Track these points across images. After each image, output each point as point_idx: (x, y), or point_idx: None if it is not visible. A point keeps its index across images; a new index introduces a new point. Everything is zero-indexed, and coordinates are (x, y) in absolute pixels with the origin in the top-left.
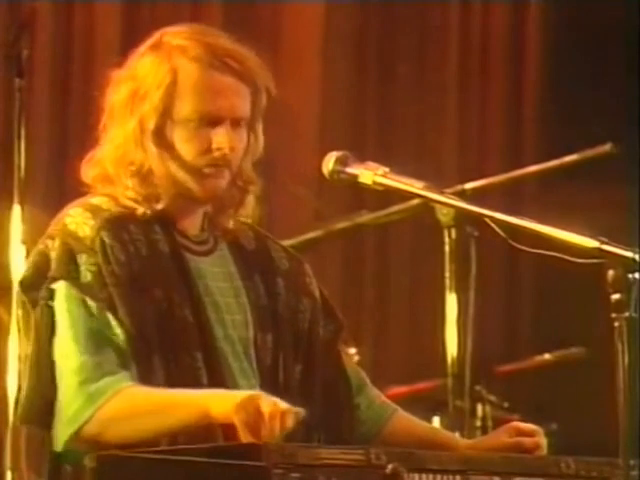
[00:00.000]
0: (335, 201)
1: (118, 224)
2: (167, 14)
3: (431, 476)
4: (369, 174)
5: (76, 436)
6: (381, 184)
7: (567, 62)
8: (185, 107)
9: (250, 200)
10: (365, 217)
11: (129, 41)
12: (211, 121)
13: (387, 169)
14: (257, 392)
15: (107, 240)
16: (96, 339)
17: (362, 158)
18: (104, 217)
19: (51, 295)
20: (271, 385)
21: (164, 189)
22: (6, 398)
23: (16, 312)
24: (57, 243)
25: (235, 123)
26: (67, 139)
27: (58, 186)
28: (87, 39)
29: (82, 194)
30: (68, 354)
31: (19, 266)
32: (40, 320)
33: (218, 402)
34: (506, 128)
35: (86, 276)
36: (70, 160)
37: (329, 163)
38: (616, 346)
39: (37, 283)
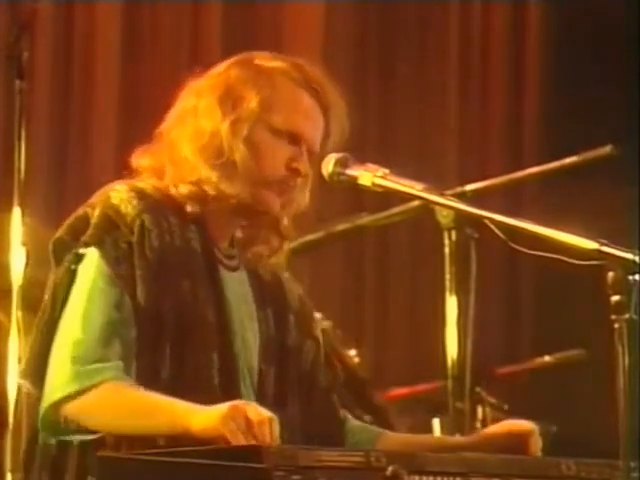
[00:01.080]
0: (335, 203)
1: (159, 211)
2: (167, 16)
3: (431, 478)
4: (369, 176)
5: (54, 408)
6: (381, 186)
7: (567, 63)
8: (278, 119)
9: (284, 251)
10: (365, 219)
11: (129, 43)
12: (294, 139)
13: (387, 171)
14: (239, 401)
15: (147, 223)
16: (105, 318)
17: (362, 160)
18: (147, 201)
19: (78, 259)
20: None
21: (242, 185)
22: (6, 399)
23: (16, 313)
24: (98, 212)
25: (307, 153)
26: (67, 141)
27: (58, 188)
28: (87, 41)
29: (82, 196)
30: (73, 324)
31: (19, 268)
32: (60, 280)
33: (201, 417)
34: (506, 129)
35: (118, 250)
36: (70, 162)
37: (329, 165)
38: (616, 348)
39: (69, 244)
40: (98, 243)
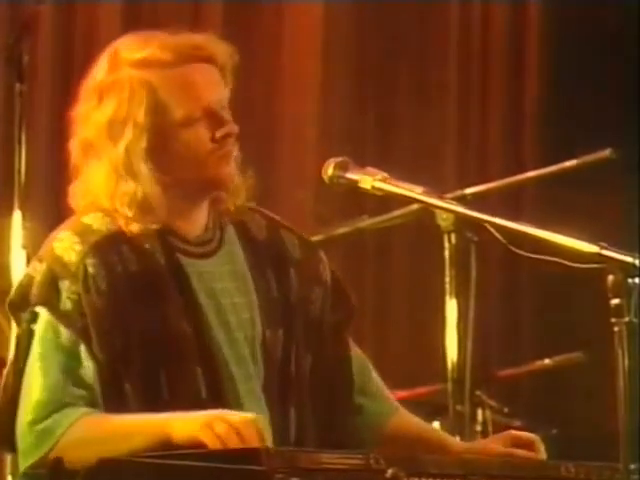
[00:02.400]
0: (335, 206)
1: (107, 246)
2: (168, 17)
3: None
4: (369, 179)
5: (31, 468)
6: (381, 189)
7: (567, 65)
8: (176, 112)
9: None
10: (365, 222)
11: None
12: (205, 114)
13: (386, 174)
14: (219, 410)
15: (90, 269)
16: (63, 372)
17: (362, 163)
18: (92, 242)
19: (34, 318)
20: (282, 379)
21: (161, 210)
22: None
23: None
24: (43, 267)
25: (221, 106)
26: (68, 145)
27: (58, 192)
28: (88, 43)
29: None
30: (32, 385)
31: (19, 270)
32: (20, 342)
33: (179, 425)
34: (506, 133)
35: (66, 304)
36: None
37: (329, 169)
38: (616, 351)
39: (22, 305)
40: (45, 302)
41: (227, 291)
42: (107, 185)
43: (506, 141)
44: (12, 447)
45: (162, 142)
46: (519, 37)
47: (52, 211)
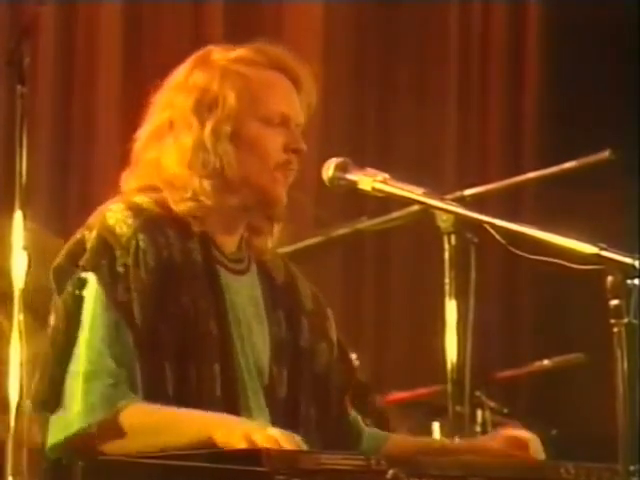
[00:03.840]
0: (335, 207)
1: (156, 226)
2: (169, 19)
3: None
4: (368, 180)
5: (66, 442)
6: (380, 190)
7: (567, 67)
8: (262, 107)
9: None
10: (365, 223)
11: (131, 46)
12: (282, 121)
13: (387, 175)
14: (260, 423)
15: (142, 244)
16: (107, 346)
17: (362, 164)
18: (143, 218)
19: (81, 284)
20: (285, 419)
21: (233, 190)
22: (7, 404)
23: (18, 317)
24: (94, 234)
25: (297, 128)
26: (69, 145)
27: (60, 193)
28: (89, 45)
29: (84, 200)
30: (79, 356)
31: (20, 272)
32: (68, 307)
33: (222, 431)
34: (505, 134)
35: (113, 276)
36: (72, 166)
37: (329, 169)
38: (615, 352)
39: (69, 270)
40: (94, 268)
41: (247, 312)
42: (183, 156)
43: (506, 142)
44: (53, 408)
45: (242, 131)
46: (519, 37)
47: (53, 212)
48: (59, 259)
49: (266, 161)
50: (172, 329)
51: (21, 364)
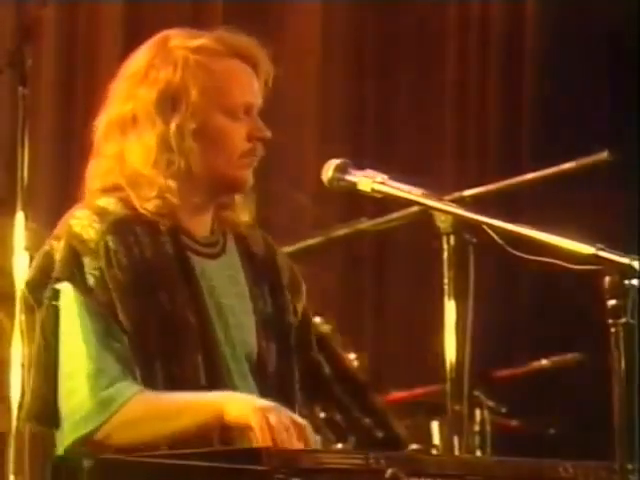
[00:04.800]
0: (334, 208)
1: (124, 227)
2: (170, 20)
3: None
4: (368, 181)
5: (81, 440)
6: (380, 191)
7: (565, 69)
8: (226, 100)
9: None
10: (364, 224)
11: (132, 48)
12: (246, 111)
13: (386, 176)
14: (275, 404)
15: (111, 245)
16: (103, 344)
17: (361, 165)
18: (110, 220)
19: (56, 295)
20: (274, 391)
21: (199, 187)
22: (9, 403)
23: (19, 317)
24: (62, 244)
25: (257, 112)
26: (71, 146)
27: (61, 193)
28: (90, 46)
29: (82, 190)
30: (77, 357)
31: (22, 273)
32: (46, 319)
33: (234, 404)
34: (504, 135)
35: (89, 279)
36: (73, 167)
37: (329, 170)
38: (613, 351)
39: (42, 283)
40: (68, 277)
41: (227, 293)
42: (148, 155)
43: (504, 142)
44: (48, 423)
45: (207, 126)
46: (517, 45)
47: (54, 213)
48: (31, 273)
49: (231, 153)
50: (153, 324)
51: (22, 364)
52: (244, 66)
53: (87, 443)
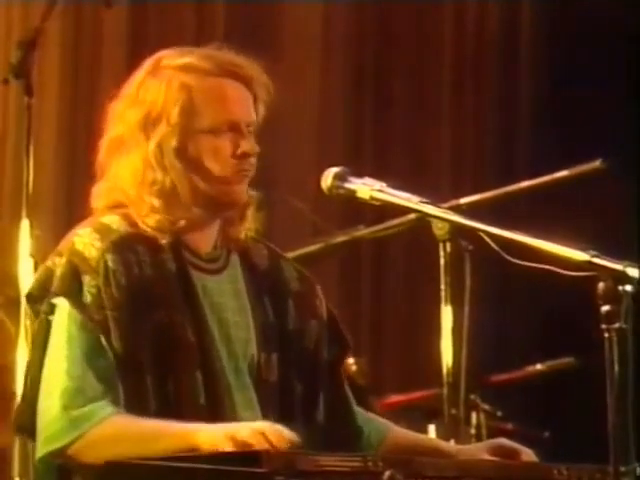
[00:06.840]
0: (333, 216)
1: (125, 245)
2: (173, 24)
3: None
4: (367, 189)
5: (52, 454)
6: (378, 199)
7: (563, 74)
8: (206, 119)
9: (252, 211)
10: (362, 231)
11: (136, 58)
12: (231, 128)
13: (384, 184)
14: (259, 423)
15: (111, 264)
16: (86, 362)
17: (359, 173)
18: (111, 239)
19: (52, 309)
20: (275, 402)
21: (187, 205)
22: (14, 406)
23: (24, 322)
24: (63, 260)
25: (247, 128)
26: (75, 153)
27: (66, 201)
28: (94, 54)
29: (89, 209)
30: (57, 372)
31: (27, 278)
32: (37, 333)
33: (205, 435)
34: (499, 143)
35: (86, 297)
36: (78, 174)
37: (328, 178)
38: (606, 356)
39: (40, 296)
40: (66, 293)
41: (229, 307)
42: (135, 175)
43: (499, 152)
44: (31, 434)
45: (188, 146)
46: (513, 51)
47: (59, 220)
48: (31, 287)
49: (215, 173)
50: (149, 344)
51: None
52: (233, 83)
53: (59, 457)
